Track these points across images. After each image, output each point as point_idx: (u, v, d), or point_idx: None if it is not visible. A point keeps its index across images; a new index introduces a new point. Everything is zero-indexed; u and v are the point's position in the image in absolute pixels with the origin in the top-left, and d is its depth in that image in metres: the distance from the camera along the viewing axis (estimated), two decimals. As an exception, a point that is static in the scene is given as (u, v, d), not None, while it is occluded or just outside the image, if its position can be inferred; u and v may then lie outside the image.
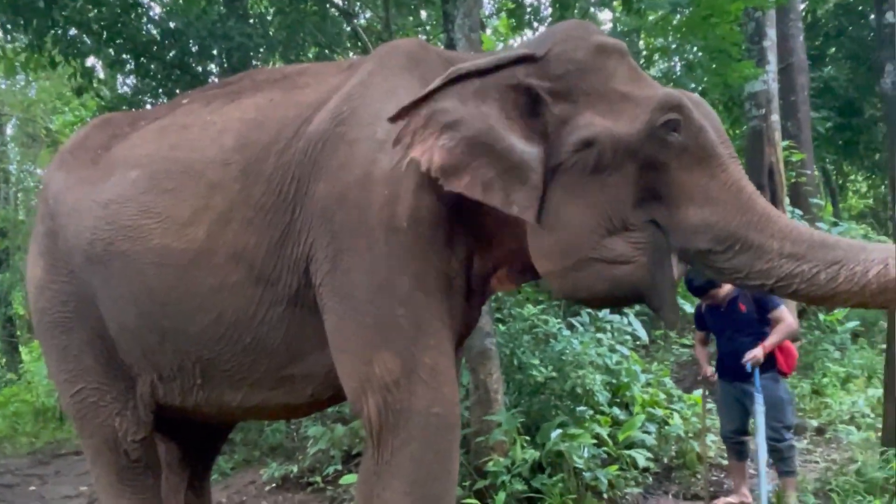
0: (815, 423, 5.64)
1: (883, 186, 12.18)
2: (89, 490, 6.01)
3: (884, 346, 7.01)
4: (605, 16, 6.69)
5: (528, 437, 4.46)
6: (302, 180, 2.32)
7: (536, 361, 4.89)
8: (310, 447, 5.30)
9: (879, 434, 4.70)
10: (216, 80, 6.24)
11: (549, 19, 7.79)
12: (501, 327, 5.16)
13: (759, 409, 4.03)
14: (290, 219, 2.34)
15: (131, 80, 6.86)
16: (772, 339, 4.06)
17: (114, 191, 2.61)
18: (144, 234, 2.50)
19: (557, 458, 4.38)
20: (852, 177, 13.38)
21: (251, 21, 6.25)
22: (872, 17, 11.32)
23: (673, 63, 8.23)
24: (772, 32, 7.66)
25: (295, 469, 5.28)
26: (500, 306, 5.43)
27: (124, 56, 6.17)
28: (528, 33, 8.19)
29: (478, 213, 2.23)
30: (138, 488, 2.86)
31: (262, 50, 6.22)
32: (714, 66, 6.17)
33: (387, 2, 6.71)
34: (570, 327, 5.30)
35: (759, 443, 4.02)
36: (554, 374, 4.81)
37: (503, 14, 9.11)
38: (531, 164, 2.05)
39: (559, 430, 4.40)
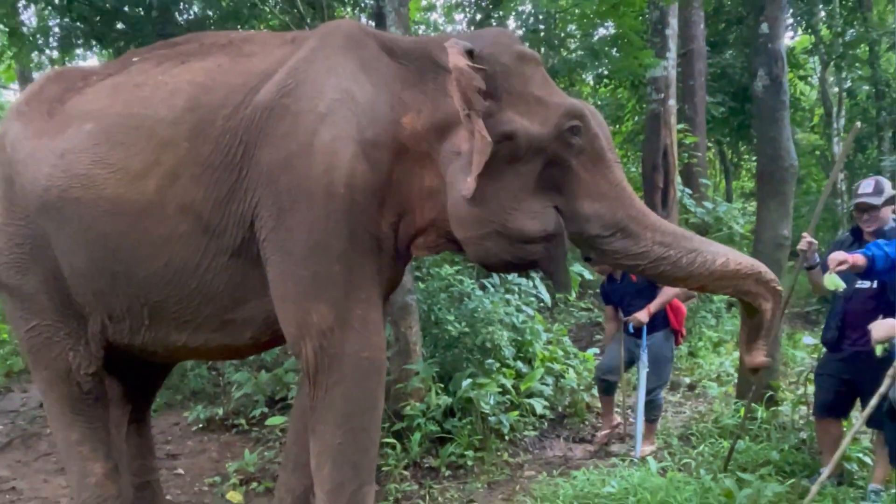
0: (687, 380, 6.48)
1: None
2: (5, 427, 6.06)
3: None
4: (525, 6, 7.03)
5: (441, 385, 4.94)
6: (249, 144, 2.56)
7: (451, 318, 5.36)
8: (234, 392, 5.59)
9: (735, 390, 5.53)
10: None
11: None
12: (421, 285, 5.58)
13: (643, 365, 4.70)
14: (236, 178, 2.58)
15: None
16: (654, 303, 4.69)
17: (69, 142, 2.76)
18: (98, 183, 2.67)
19: (467, 404, 4.90)
20: (746, 156, 14.53)
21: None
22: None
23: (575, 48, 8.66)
24: (674, 22, 8.28)
25: (220, 412, 5.57)
26: (420, 266, 5.84)
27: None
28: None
29: (404, 185, 2.61)
30: (89, 418, 3.05)
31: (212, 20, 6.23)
32: (619, 53, 6.67)
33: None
34: (483, 288, 5.79)
35: (639, 395, 4.68)
36: (467, 329, 5.30)
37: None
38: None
39: (469, 380, 4.91)
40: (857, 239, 3.80)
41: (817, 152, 12.90)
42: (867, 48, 12.25)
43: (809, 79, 13.86)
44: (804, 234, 3.81)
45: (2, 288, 3.03)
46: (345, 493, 2.61)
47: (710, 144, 12.66)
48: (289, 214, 2.50)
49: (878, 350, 3.09)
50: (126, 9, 5.96)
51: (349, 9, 8.21)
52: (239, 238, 2.62)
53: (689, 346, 7.15)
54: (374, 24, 5.42)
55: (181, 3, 6.24)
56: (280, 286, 2.57)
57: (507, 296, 5.83)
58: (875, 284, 3.62)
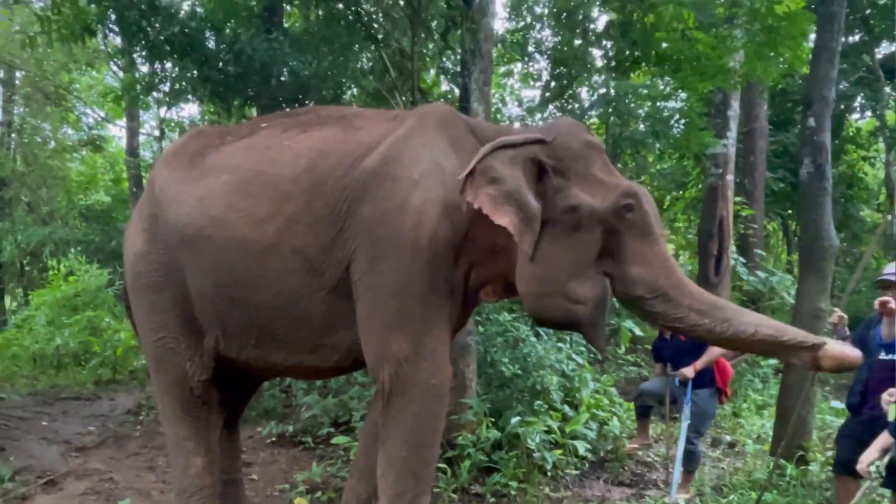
0: (728, 438, 6.76)
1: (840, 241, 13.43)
2: (98, 429, 6.82)
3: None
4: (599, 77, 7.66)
5: (492, 420, 5.41)
6: (353, 201, 3.04)
7: (506, 360, 5.86)
8: (303, 412, 6.21)
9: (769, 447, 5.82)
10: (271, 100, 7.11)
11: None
12: (480, 329, 6.09)
13: (685, 418, 5.04)
14: (340, 228, 3.05)
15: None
16: (700, 361, 5.06)
17: (207, 189, 3.30)
18: (229, 224, 3.18)
19: (514, 440, 5.35)
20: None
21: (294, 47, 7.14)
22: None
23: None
24: (735, 104, 8.80)
25: (290, 429, 6.19)
26: (480, 311, 6.37)
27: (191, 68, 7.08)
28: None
29: (478, 243, 3.11)
30: (196, 419, 3.51)
31: (312, 78, 7.11)
32: (681, 130, 7.22)
33: (413, 30, 7.60)
34: (537, 335, 6.27)
35: (679, 445, 5.04)
36: (519, 371, 5.79)
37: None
38: (537, 216, 2.92)
39: (518, 418, 5.35)
40: (882, 317, 4.11)
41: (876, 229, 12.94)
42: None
43: (873, 160, 13.97)
44: (835, 308, 4.20)
45: (139, 303, 3.52)
46: (405, 499, 2.98)
47: (772, 216, 12.88)
48: (381, 260, 2.96)
49: (892, 411, 3.42)
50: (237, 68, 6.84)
51: (434, 72, 8.99)
52: (336, 277, 3.07)
53: (733, 407, 7.42)
54: (459, 97, 6.11)
55: (286, 64, 7.10)
56: (367, 319, 3.02)
57: (559, 344, 6.30)
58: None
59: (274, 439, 6.15)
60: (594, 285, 2.89)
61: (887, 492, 3.92)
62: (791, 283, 8.66)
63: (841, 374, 3.39)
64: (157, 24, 6.82)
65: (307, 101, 7.62)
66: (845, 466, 4.12)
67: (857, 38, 12.84)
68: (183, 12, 7.29)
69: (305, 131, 3.36)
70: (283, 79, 7.39)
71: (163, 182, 3.51)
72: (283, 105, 7.47)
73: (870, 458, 3.23)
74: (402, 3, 7.48)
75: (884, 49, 12.98)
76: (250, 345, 3.34)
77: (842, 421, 4.60)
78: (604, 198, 2.93)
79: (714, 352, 5.00)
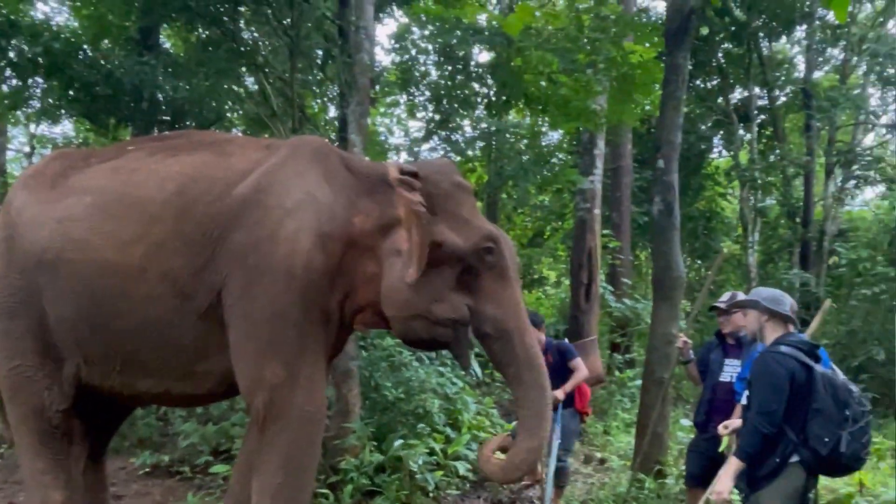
0: (599, 455, 7.15)
1: (700, 270, 14.51)
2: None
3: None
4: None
5: (375, 444, 5.46)
6: (225, 228, 3.04)
7: (389, 384, 5.96)
8: (181, 441, 6.01)
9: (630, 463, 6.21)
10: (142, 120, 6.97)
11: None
12: (364, 354, 6.18)
13: (556, 437, 5.29)
14: (211, 253, 3.04)
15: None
16: (569, 384, 5.32)
17: (69, 210, 3.17)
18: (92, 247, 3.08)
19: (397, 462, 5.39)
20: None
21: (169, 69, 7.05)
22: (692, 137, 13.75)
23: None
24: (601, 143, 9.45)
25: (166, 458, 5.96)
26: (365, 337, 6.46)
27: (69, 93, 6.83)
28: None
29: (351, 271, 3.22)
30: (55, 451, 3.31)
31: (188, 102, 7.03)
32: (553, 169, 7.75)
33: (293, 59, 7.69)
34: (419, 359, 6.42)
35: (550, 462, 5.29)
36: (402, 395, 5.90)
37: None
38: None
39: (401, 441, 5.43)
40: (721, 341, 4.60)
41: (736, 261, 14.14)
42: (780, 174, 13.77)
43: (729, 196, 15.30)
44: (680, 334, 4.64)
45: None
46: None
47: (641, 247, 13.78)
48: (254, 288, 2.97)
49: (724, 443, 3.77)
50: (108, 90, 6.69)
51: (320, 100, 9.08)
52: (207, 302, 3.04)
53: (604, 426, 7.85)
54: (338, 128, 6.23)
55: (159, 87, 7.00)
56: (240, 345, 3.01)
57: (441, 368, 6.47)
58: (733, 379, 4.41)
59: (148, 470, 5.90)
60: (455, 308, 3.10)
61: None
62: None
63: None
64: (18, 44, 6.54)
65: (186, 124, 7.51)
66: (695, 479, 4.50)
67: (714, 83, 14.12)
68: (47, 33, 7.00)
69: (175, 156, 3.31)
70: (158, 101, 7.25)
71: (20, 204, 3.35)
72: (161, 127, 7.33)
73: (727, 488, 3.31)
74: (280, 32, 7.55)
75: (738, 94, 14.29)
76: (115, 372, 3.23)
77: (692, 437, 4.99)
78: (467, 238, 3.13)
79: (580, 376, 5.25)
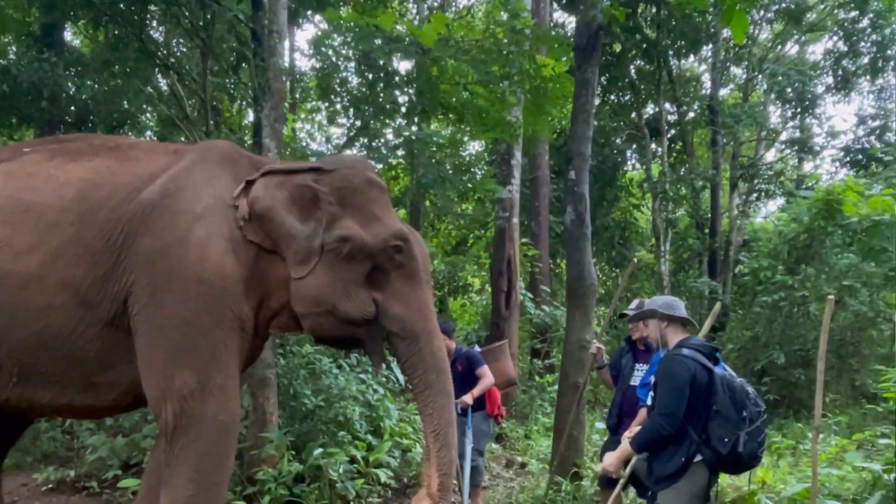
0: (520, 459, 7.20)
1: (617, 278, 14.90)
2: None
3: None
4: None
5: (294, 453, 5.34)
6: (129, 234, 2.90)
7: (308, 392, 5.84)
8: (88, 455, 5.69)
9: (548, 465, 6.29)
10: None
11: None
12: (282, 361, 6.03)
13: (468, 441, 5.29)
14: (115, 260, 2.89)
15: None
16: (477, 389, 5.29)
17: None
18: None
19: (317, 472, 5.30)
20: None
21: (71, 71, 6.73)
22: (606, 148, 14.21)
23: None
24: (518, 154, 9.60)
25: (72, 473, 5.62)
26: (283, 344, 6.32)
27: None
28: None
29: (264, 276, 3.14)
30: None
31: (93, 102, 6.72)
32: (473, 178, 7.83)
33: (205, 61, 7.49)
34: (339, 366, 6.33)
35: (465, 465, 5.29)
36: (322, 403, 5.79)
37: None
38: (298, 237, 3.01)
39: (321, 449, 5.33)
40: (631, 347, 4.70)
41: (650, 270, 14.66)
42: (689, 187, 14.39)
43: (643, 207, 15.86)
44: (594, 340, 4.75)
45: None
46: None
47: (561, 256, 14.09)
48: (162, 294, 2.84)
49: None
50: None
51: (235, 102, 8.86)
52: (112, 311, 2.90)
53: (525, 430, 7.94)
54: (253, 132, 6.08)
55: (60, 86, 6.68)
56: (148, 354, 2.88)
57: (362, 375, 6.39)
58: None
59: (52, 486, 5.55)
60: (361, 305, 3.06)
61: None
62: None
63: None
64: None
65: (92, 125, 7.18)
66: (609, 480, 4.48)
67: (627, 98, 14.65)
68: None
69: (75, 160, 3.16)
70: (60, 100, 6.91)
71: None
72: (66, 128, 6.97)
73: (610, 463, 3.59)
74: (192, 33, 7.35)
75: (650, 109, 14.87)
76: (11, 383, 3.03)
77: (606, 439, 5.10)
78: (376, 235, 3.09)
79: (486, 382, 5.27)
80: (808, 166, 16.18)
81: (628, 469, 3.72)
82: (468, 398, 5.25)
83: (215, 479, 2.91)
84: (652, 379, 3.99)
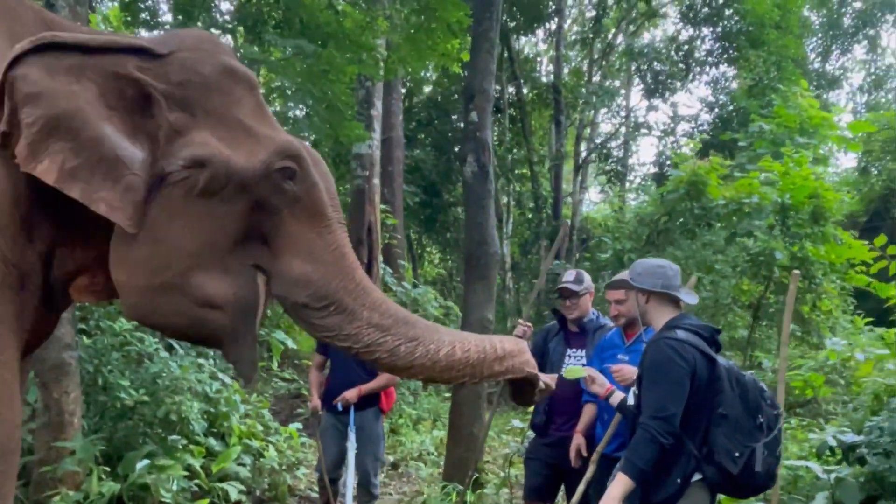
0: (391, 458, 6.03)
1: (450, 261, 14.22)
2: None
3: (448, 394, 8.01)
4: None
5: (108, 468, 3.90)
6: None
7: (126, 383, 4.34)
8: None
9: (442, 470, 5.25)
10: None
11: (168, 26, 7.28)
12: (87, 341, 4.46)
13: (352, 445, 4.10)
14: None
15: None
16: (370, 385, 4.16)
17: None
18: None
19: (142, 493, 3.94)
20: (429, 248, 15.37)
21: None
22: (455, 116, 13.47)
23: (290, 106, 8.35)
24: (379, 104, 8.48)
25: None
26: (87, 316, 4.68)
27: None
28: (143, 33, 7.52)
29: (62, 202, 1.85)
30: None
31: None
32: (328, 119, 6.44)
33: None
34: (169, 349, 4.80)
35: (348, 479, 4.07)
36: (146, 398, 4.33)
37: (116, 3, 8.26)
38: (127, 162, 1.83)
39: (147, 461, 3.97)
40: (562, 326, 3.85)
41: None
42: (530, 167, 14.08)
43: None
44: (520, 320, 3.80)
45: None
46: None
47: (414, 231, 13.15)
48: None
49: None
50: None
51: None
52: None
53: (390, 423, 6.76)
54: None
55: None
56: None
57: (200, 359, 4.91)
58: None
59: None
60: (237, 282, 1.94)
61: None
62: (433, 297, 8.55)
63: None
64: None
65: None
66: (537, 491, 3.78)
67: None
68: None
69: None
70: None
71: None
72: None
73: None
74: None
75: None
76: None
77: (520, 440, 4.18)
78: (250, 154, 1.94)
79: (386, 375, 4.17)
80: (647, 153, 16.58)
81: (582, 486, 2.99)
82: (353, 394, 4.07)
83: None
84: (622, 371, 3.08)
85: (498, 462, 5.42)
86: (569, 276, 3.81)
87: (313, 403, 4.29)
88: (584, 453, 3.33)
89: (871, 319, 7.66)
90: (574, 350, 3.71)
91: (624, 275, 2.94)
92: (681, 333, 2.49)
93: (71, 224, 1.90)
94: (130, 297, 1.90)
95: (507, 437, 6.38)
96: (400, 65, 6.77)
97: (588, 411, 3.48)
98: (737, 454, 2.38)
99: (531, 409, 4.04)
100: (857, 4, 16.65)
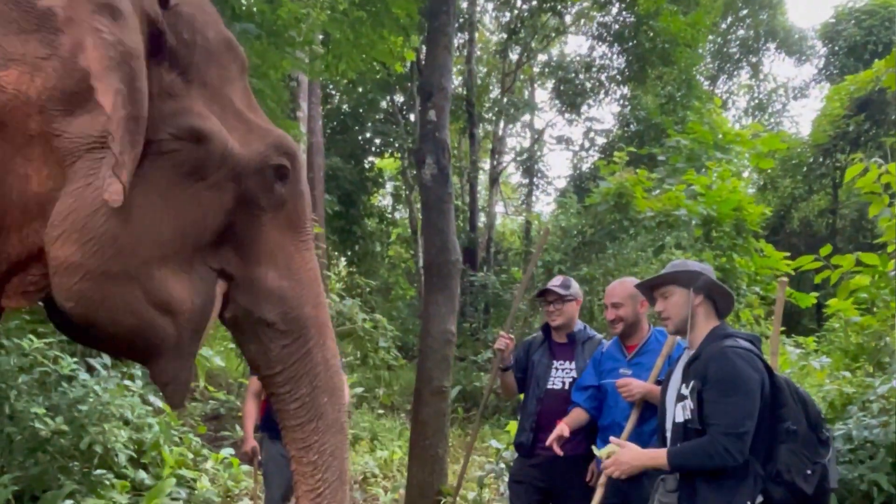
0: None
1: (355, 275, 13.72)
2: None
3: (380, 411, 7.58)
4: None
5: (20, 511, 3.24)
6: None
7: (40, 410, 3.70)
8: None
9: (401, 494, 4.85)
10: None
11: None
12: (-10, 360, 3.76)
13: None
14: None
15: None
16: None
17: None
18: None
19: (64, 539, 3.28)
20: (334, 260, 14.90)
21: None
22: (369, 124, 13.06)
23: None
24: (305, 105, 8.02)
25: None
26: (-12, 333, 3.97)
27: None
28: None
29: None
30: None
31: None
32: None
33: None
34: (90, 370, 4.16)
35: None
36: (65, 427, 3.70)
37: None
38: (143, 119, 1.48)
39: (70, 502, 3.40)
40: (546, 337, 3.49)
41: (403, 265, 13.82)
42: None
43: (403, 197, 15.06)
44: (501, 332, 3.46)
45: None
46: None
47: (334, 243, 12.60)
48: None
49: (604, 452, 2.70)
50: None
51: None
52: None
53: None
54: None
55: None
56: None
57: (127, 381, 4.28)
58: (567, 386, 3.36)
59: None
60: (196, 287, 1.63)
61: None
62: (359, 310, 8.11)
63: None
64: None
65: None
66: None
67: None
68: None
69: None
70: None
71: None
72: None
73: (628, 463, 2.34)
74: None
75: (400, 97, 13.98)
76: None
77: (496, 462, 3.85)
78: (245, 141, 1.68)
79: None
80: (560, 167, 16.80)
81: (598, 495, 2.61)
82: None
83: None
84: (629, 386, 2.83)
85: (470, 485, 5.02)
86: (555, 281, 3.51)
87: (248, 445, 3.56)
88: (566, 435, 2.97)
89: (783, 329, 7.89)
90: (560, 362, 3.34)
91: (667, 270, 2.61)
92: (744, 342, 2.26)
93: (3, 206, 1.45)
94: (76, 280, 1.48)
95: (482, 458, 5.99)
96: (336, 62, 6.34)
97: (576, 412, 3.12)
98: (808, 472, 2.15)
99: (511, 427, 3.71)
100: (741, 32, 17.74)
